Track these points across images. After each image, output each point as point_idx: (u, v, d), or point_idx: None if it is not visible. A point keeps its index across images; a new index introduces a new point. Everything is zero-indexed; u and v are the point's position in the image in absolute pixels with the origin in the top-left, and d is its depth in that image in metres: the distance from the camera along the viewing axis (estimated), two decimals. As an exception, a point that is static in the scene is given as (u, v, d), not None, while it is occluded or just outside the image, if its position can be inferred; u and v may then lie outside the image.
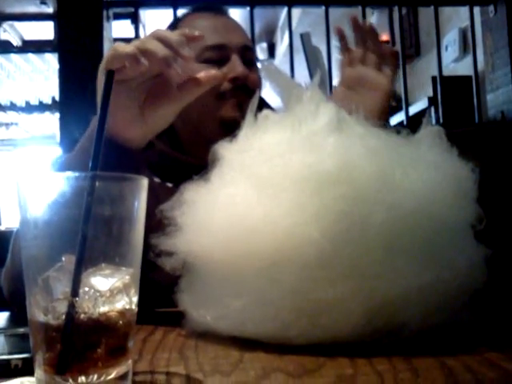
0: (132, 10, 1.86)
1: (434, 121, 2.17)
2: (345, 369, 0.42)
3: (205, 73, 0.66)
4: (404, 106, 1.91)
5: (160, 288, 0.58)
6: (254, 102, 0.60)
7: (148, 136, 0.69)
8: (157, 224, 0.53)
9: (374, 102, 0.90)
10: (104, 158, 0.62)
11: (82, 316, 0.34)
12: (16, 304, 0.72)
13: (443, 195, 0.50)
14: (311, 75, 2.03)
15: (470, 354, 0.45)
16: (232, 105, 0.88)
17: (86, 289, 0.34)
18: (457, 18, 2.48)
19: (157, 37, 0.61)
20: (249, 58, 0.92)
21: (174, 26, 0.98)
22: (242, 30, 0.98)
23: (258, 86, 0.92)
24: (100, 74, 0.66)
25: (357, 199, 0.47)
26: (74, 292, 0.34)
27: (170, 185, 0.88)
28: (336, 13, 2.09)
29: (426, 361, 0.44)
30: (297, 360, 0.45)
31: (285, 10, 2.05)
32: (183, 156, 0.92)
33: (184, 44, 0.62)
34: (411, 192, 0.48)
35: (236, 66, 0.88)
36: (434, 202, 0.49)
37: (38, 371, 0.35)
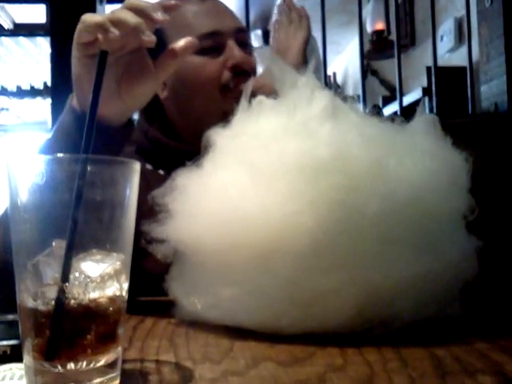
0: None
1: (427, 111, 2.17)
2: (335, 358, 0.42)
3: (181, 42, 0.65)
4: (398, 96, 1.90)
5: (150, 276, 0.58)
6: (248, 87, 0.59)
7: (126, 114, 0.67)
8: (148, 211, 0.53)
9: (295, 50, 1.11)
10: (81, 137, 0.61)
11: (72, 302, 0.33)
12: (4, 290, 0.72)
13: (437, 185, 0.49)
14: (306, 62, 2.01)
15: (459, 344, 0.46)
16: (235, 97, 0.88)
17: (77, 274, 0.34)
18: (452, 8, 2.47)
19: (128, 6, 0.60)
20: (244, 41, 0.91)
21: (179, 18, 0.94)
22: (233, 12, 0.96)
23: (255, 68, 0.91)
24: (74, 49, 0.64)
25: (351, 188, 0.46)
26: (64, 277, 0.33)
27: (162, 172, 0.87)
28: (332, 0, 2.07)
29: (415, 351, 0.44)
30: (287, 349, 0.45)
31: (280, -3, 2.03)
32: (177, 143, 0.91)
33: (156, 9, 0.60)
34: (406, 182, 0.48)
35: (234, 53, 0.87)
36: (428, 191, 0.49)
37: (27, 358, 0.34)
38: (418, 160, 0.50)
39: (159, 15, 0.60)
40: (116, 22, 0.59)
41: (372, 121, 0.53)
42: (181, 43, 0.65)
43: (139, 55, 0.64)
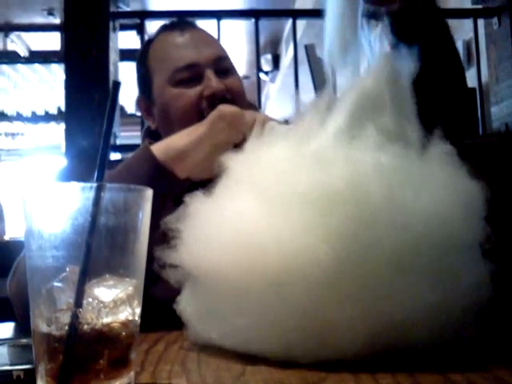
0: (138, 21, 1.88)
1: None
2: (347, 382, 0.42)
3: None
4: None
5: (161, 302, 0.58)
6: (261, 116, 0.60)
7: (190, 175, 0.78)
8: (160, 236, 0.53)
9: None
10: (156, 184, 0.68)
11: (85, 327, 0.34)
12: (20, 315, 0.73)
13: (453, 216, 0.48)
14: (315, 87, 2.03)
15: (474, 369, 0.45)
16: None
17: (90, 299, 0.34)
18: (461, 30, 2.49)
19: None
20: (224, 68, 0.93)
21: (147, 46, 0.99)
22: (213, 41, 0.98)
23: (238, 90, 0.92)
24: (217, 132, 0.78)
25: (366, 221, 0.46)
26: (78, 303, 0.34)
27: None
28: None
29: (430, 377, 0.43)
30: (299, 374, 0.45)
31: (289, 22, 2.07)
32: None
33: None
34: (421, 214, 0.47)
35: (211, 83, 0.88)
36: (444, 223, 0.48)
37: (40, 382, 0.35)
38: (434, 190, 0.49)
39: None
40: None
41: (387, 147, 0.52)
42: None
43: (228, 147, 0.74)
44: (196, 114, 0.88)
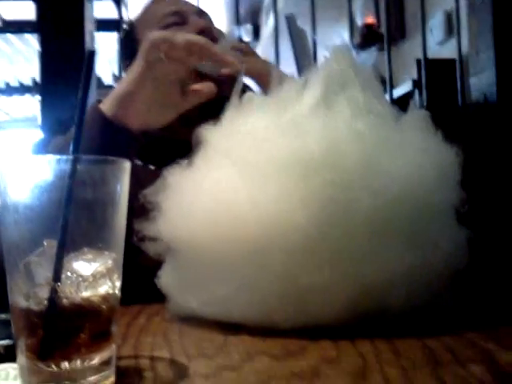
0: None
1: (418, 103, 2.18)
2: (328, 351, 0.43)
3: (204, 87, 0.73)
4: (388, 89, 1.91)
5: (145, 271, 0.58)
6: (239, 85, 0.59)
7: (140, 127, 0.74)
8: (140, 208, 0.53)
9: None
10: (112, 142, 0.66)
11: (65, 301, 0.33)
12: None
13: (428, 179, 0.50)
14: (296, 57, 2.01)
15: (451, 334, 0.46)
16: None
17: (69, 274, 0.34)
18: (442, 1, 2.47)
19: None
20: (207, 21, 0.97)
21: (133, 21, 1.04)
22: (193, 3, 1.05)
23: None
24: (139, 65, 0.71)
25: (343, 185, 0.47)
26: (56, 277, 0.33)
27: (152, 167, 0.87)
28: (321, -5, 2.07)
29: (407, 342, 0.44)
30: (281, 343, 0.45)
31: (270, -9, 2.03)
32: (163, 132, 0.91)
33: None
34: (397, 177, 0.48)
35: (197, 22, 0.93)
36: (419, 186, 0.49)
37: (21, 357, 0.34)
38: (409, 156, 0.50)
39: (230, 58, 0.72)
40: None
41: (364, 115, 0.53)
42: (205, 87, 0.73)
43: (174, 86, 0.72)
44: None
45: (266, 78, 0.62)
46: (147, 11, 1.02)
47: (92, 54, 0.34)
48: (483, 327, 0.49)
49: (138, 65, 0.71)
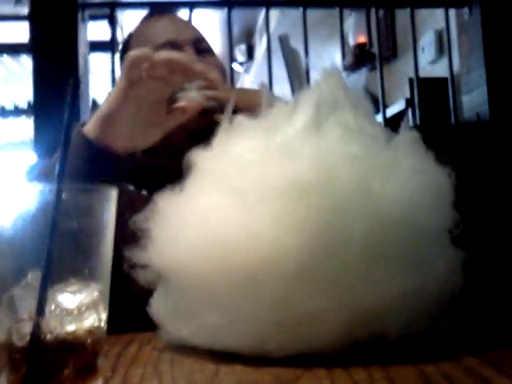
0: (108, 10, 1.83)
1: (411, 122, 2.19)
2: (322, 380, 0.42)
3: (189, 104, 0.73)
4: (381, 108, 1.92)
5: (136, 299, 0.57)
6: (229, 108, 0.59)
7: (127, 150, 0.73)
8: (132, 235, 0.52)
9: None
10: (97, 166, 0.66)
11: (48, 336, 0.32)
12: None
13: (422, 202, 0.49)
14: (289, 77, 2.03)
15: (448, 360, 0.45)
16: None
17: (53, 307, 0.33)
18: (432, 20, 2.51)
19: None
20: (203, 48, 0.94)
21: (128, 38, 1.02)
22: (192, 26, 1.01)
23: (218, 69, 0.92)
24: (120, 85, 0.70)
25: (336, 210, 0.46)
26: (40, 311, 0.32)
27: (144, 192, 0.86)
28: (314, 14, 2.09)
29: (403, 369, 0.43)
30: (273, 372, 0.44)
31: (263, 12, 2.05)
32: (155, 160, 0.91)
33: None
34: (390, 200, 0.47)
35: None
36: (414, 209, 0.48)
37: (3, 394, 0.33)
38: (402, 177, 0.50)
39: (212, 74, 0.71)
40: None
41: (356, 137, 0.53)
42: (191, 104, 0.73)
43: (159, 106, 0.72)
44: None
45: (256, 108, 0.61)
46: (140, 34, 1.00)
47: (76, 79, 0.34)
48: (481, 353, 0.48)
49: (119, 84, 0.70)
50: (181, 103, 0.72)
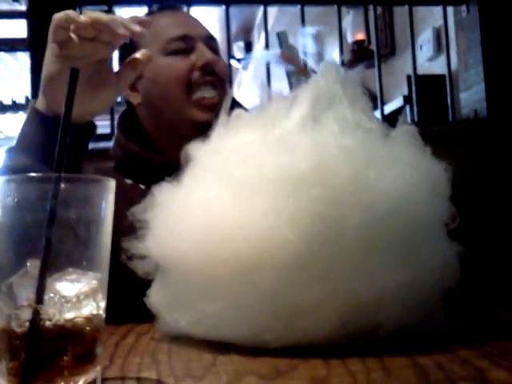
0: (105, 8, 1.83)
1: (409, 119, 2.20)
2: (318, 370, 0.42)
3: (139, 54, 0.71)
4: (379, 105, 1.92)
5: (135, 289, 0.57)
6: (228, 101, 0.59)
7: (85, 118, 0.72)
8: (129, 227, 0.52)
9: None
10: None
11: (47, 323, 0.33)
12: None
13: (418, 195, 0.50)
14: (287, 73, 2.03)
15: (442, 352, 0.46)
16: (203, 106, 0.88)
17: (52, 295, 0.33)
18: (431, 18, 2.51)
19: (108, 18, 0.65)
20: (214, 48, 0.93)
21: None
22: (203, 24, 0.99)
23: (225, 74, 0.93)
24: (48, 50, 0.68)
25: (332, 201, 0.46)
26: (39, 298, 0.33)
27: (142, 186, 0.86)
28: (312, 11, 2.09)
29: (398, 360, 0.44)
30: (270, 362, 0.45)
31: (261, 9, 2.05)
32: (156, 156, 0.91)
33: (131, 22, 0.67)
34: (386, 193, 0.48)
35: (204, 53, 0.89)
36: (409, 201, 0.49)
37: (2, 381, 0.34)
38: (398, 171, 0.50)
39: (136, 27, 0.66)
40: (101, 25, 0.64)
41: (352, 131, 0.53)
42: (138, 55, 0.71)
43: (104, 66, 0.70)
44: (186, 84, 0.88)
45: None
46: (154, 25, 0.93)
47: (76, 71, 0.34)
48: (475, 345, 0.48)
49: (48, 48, 0.69)
50: (131, 56, 0.71)
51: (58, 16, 0.65)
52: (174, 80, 0.88)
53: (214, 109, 0.85)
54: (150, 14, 1.01)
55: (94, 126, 0.76)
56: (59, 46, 0.66)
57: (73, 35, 0.65)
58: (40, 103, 0.71)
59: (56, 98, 0.69)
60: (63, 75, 0.67)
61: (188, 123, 0.87)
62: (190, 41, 0.90)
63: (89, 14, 0.65)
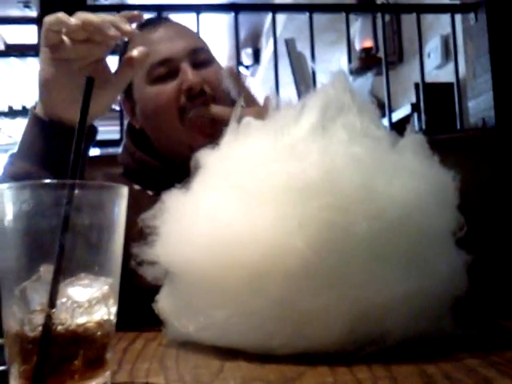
0: (116, 14, 1.85)
1: (416, 127, 2.20)
2: (325, 377, 0.42)
3: (136, 51, 0.71)
4: (387, 112, 1.92)
5: (143, 295, 0.57)
6: (237, 109, 0.60)
7: (86, 121, 0.71)
8: (138, 233, 0.53)
9: None
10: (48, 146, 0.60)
11: (59, 328, 0.33)
12: None
13: (426, 203, 0.50)
14: (296, 80, 2.04)
15: (449, 361, 0.46)
16: (199, 132, 0.85)
17: (64, 300, 0.34)
18: (439, 26, 2.51)
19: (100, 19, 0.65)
20: (200, 59, 0.89)
21: (125, 49, 0.94)
22: (188, 33, 0.95)
23: (215, 81, 0.86)
24: (42, 54, 0.68)
25: (340, 209, 0.46)
26: (51, 303, 0.33)
27: (150, 193, 0.87)
28: (320, 19, 2.11)
29: (405, 368, 0.44)
30: (277, 369, 0.45)
31: (269, 16, 2.06)
32: (163, 164, 0.91)
33: (121, 21, 0.67)
34: (394, 201, 0.48)
35: (187, 76, 0.85)
36: (417, 210, 0.49)
37: (14, 384, 0.34)
38: (407, 180, 0.50)
39: (126, 26, 0.66)
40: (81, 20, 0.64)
41: (361, 139, 0.53)
42: (135, 53, 0.70)
43: (101, 66, 0.70)
44: (176, 109, 0.85)
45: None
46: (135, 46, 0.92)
47: (91, 81, 0.35)
48: (482, 354, 0.48)
49: (41, 52, 0.68)
50: (127, 54, 0.70)
51: (48, 19, 0.65)
52: (163, 108, 0.86)
53: (213, 127, 0.83)
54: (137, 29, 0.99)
55: (95, 131, 0.76)
56: (52, 49, 0.67)
57: (65, 38, 0.65)
58: (38, 108, 0.71)
59: (53, 103, 0.69)
60: (59, 78, 0.67)
61: (186, 149, 0.83)
62: (173, 63, 0.86)
63: (79, 16, 0.64)
